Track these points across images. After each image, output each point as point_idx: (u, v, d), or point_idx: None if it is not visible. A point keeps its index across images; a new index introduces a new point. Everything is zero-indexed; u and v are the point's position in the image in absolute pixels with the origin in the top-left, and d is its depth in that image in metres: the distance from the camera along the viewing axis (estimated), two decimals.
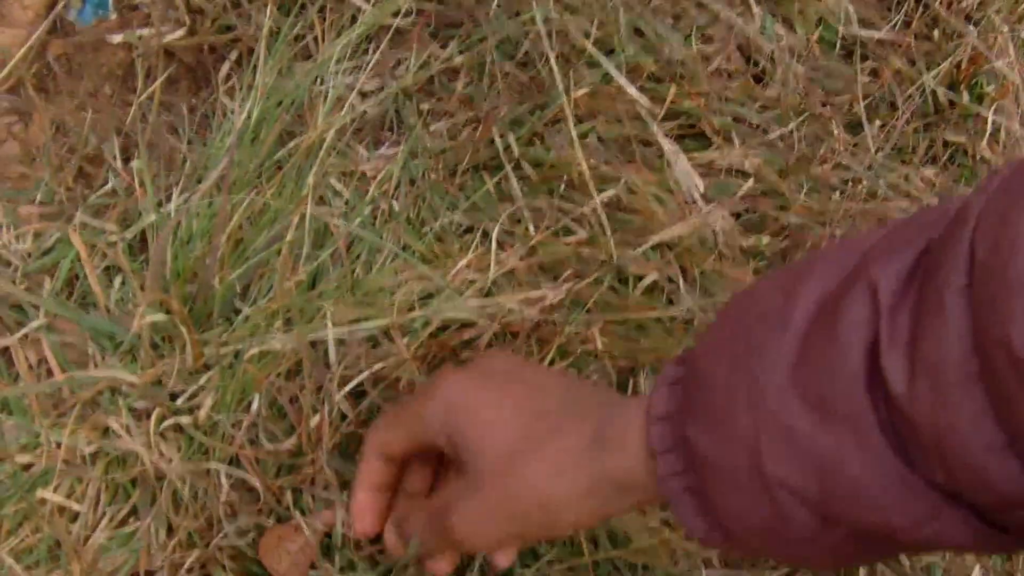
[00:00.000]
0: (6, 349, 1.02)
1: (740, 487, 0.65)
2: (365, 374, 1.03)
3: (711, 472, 0.67)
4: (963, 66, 1.33)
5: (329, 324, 1.03)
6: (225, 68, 1.20)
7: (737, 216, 1.22)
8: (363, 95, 1.20)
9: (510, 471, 0.78)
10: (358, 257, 1.11)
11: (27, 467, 0.96)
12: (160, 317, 1.00)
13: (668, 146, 1.18)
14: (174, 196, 1.10)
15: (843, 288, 0.62)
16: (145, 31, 1.19)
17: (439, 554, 0.89)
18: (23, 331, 1.01)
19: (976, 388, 0.55)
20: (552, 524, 0.79)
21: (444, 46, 1.24)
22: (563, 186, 1.18)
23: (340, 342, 1.04)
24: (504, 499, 0.79)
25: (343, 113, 1.16)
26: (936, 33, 1.36)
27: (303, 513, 0.98)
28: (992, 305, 0.54)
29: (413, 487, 0.93)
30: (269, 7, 1.19)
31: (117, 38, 1.19)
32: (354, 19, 1.21)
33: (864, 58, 1.35)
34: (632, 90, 1.20)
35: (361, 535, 0.93)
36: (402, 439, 0.88)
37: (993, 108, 1.33)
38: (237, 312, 1.06)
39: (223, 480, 0.97)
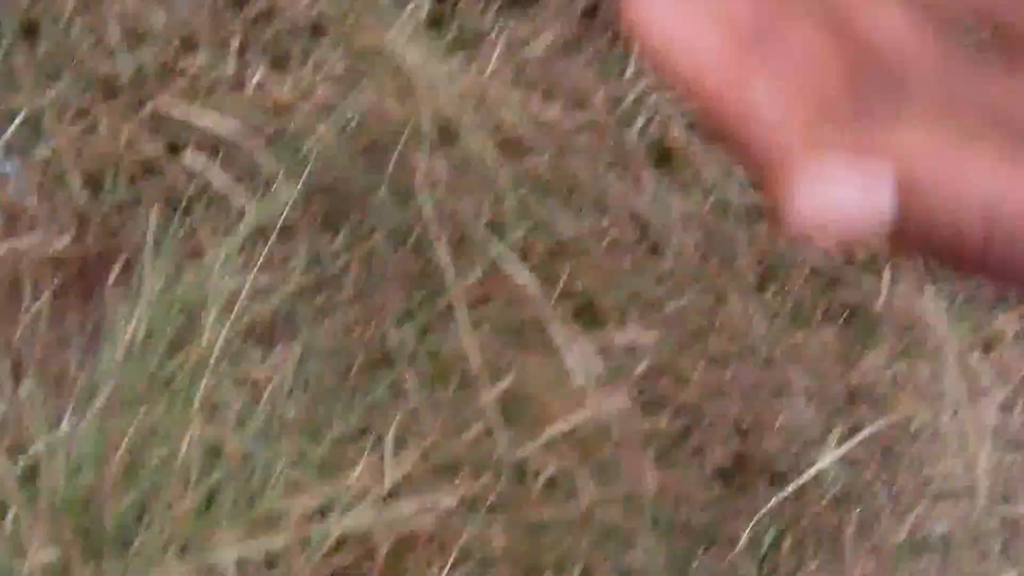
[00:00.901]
0: None
1: None
2: None
3: None
4: None
5: (225, 553, 1.02)
6: (113, 276, 1.19)
7: (637, 394, 1.22)
8: (254, 294, 1.20)
9: None
10: (253, 472, 1.10)
11: None
12: (52, 556, 0.99)
13: (561, 335, 1.18)
14: (64, 420, 1.09)
15: None
16: (31, 238, 1.18)
17: None
18: None
19: None
20: None
21: (335, 236, 1.24)
22: (458, 378, 1.17)
23: (239, 566, 1.04)
24: None
25: (233, 317, 1.15)
26: None
27: None
28: None
29: None
30: (154, 210, 1.18)
31: (2, 249, 1.18)
32: (241, 215, 1.21)
33: (760, 217, 1.35)
34: (522, 277, 1.20)
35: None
36: None
37: (889, 264, 1.33)
38: (133, 539, 1.05)
39: None
